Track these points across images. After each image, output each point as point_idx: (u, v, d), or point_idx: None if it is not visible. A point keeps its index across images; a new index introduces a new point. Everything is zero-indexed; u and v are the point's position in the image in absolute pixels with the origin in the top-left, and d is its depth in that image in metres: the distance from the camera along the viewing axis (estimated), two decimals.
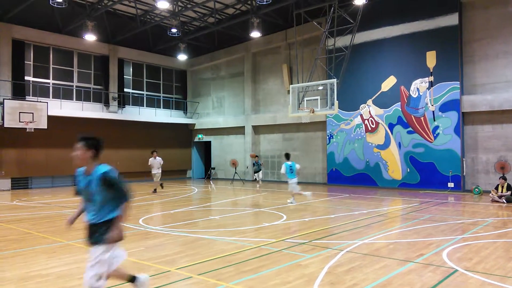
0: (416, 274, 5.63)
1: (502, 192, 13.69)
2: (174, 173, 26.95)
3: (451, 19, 17.22)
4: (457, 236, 8.19)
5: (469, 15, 17.33)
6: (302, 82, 18.13)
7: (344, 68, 17.79)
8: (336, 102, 15.86)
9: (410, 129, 18.27)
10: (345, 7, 18.37)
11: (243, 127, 25.21)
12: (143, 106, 25.94)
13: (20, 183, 20.24)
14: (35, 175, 20.76)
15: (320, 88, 17.15)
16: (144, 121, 24.83)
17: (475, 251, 6.90)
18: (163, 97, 27.29)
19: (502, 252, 6.83)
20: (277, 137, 23.93)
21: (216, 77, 27.50)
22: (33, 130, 19.01)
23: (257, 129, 24.85)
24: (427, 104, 17.82)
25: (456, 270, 5.77)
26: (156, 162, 17.56)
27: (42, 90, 21.40)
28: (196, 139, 28.20)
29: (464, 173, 17.07)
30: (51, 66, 21.90)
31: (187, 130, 28.19)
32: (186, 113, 28.39)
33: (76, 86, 22.83)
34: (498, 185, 14.00)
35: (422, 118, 17.94)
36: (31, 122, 18.86)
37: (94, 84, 23.59)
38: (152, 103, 26.53)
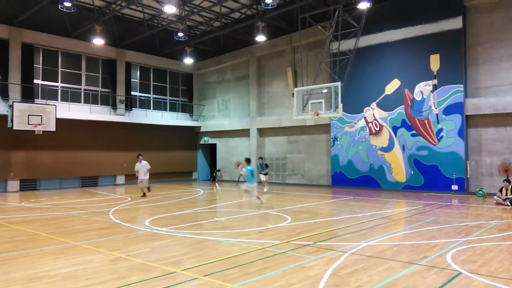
0: (420, 276, 5.69)
1: (506, 195, 13.71)
2: (180, 175, 27.16)
3: (455, 23, 17.27)
4: (461, 239, 8.24)
5: (473, 18, 17.38)
6: (307, 85, 18.25)
7: (348, 71, 17.90)
8: (340, 105, 15.97)
9: (414, 132, 18.32)
10: (349, 11, 18.47)
11: (248, 129, 25.34)
12: (150, 109, 26.16)
13: (28, 185, 20.48)
14: (43, 176, 21.00)
15: (325, 91, 17.25)
16: (151, 124, 25.06)
17: (479, 254, 6.95)
18: (169, 100, 27.50)
19: (507, 255, 6.85)
20: (281, 139, 24.04)
21: (221, 80, 27.67)
22: (41, 133, 19.27)
23: (262, 132, 24.98)
24: (431, 107, 17.87)
25: (460, 273, 5.81)
26: (142, 167, 16.38)
27: (51, 93, 21.67)
28: (201, 142, 28.37)
29: (468, 176, 17.09)
30: (60, 69, 22.18)
31: (193, 133, 28.37)
32: (192, 115, 28.58)
33: (84, 89, 23.10)
34: (502, 187, 14.02)
35: (426, 121, 17.99)
36: (39, 125, 19.12)
37: (101, 87, 23.84)
38: (159, 106, 26.76)
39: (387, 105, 19.22)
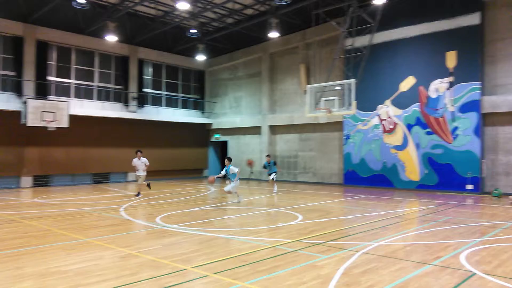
0: (433, 276, 5.59)
1: None
2: (190, 172, 27.22)
3: (473, 19, 16.94)
4: (475, 239, 8.08)
5: (491, 14, 17.02)
6: (320, 82, 18.10)
7: (362, 68, 17.70)
8: (353, 103, 15.80)
9: (428, 130, 18.05)
10: (364, 6, 18.25)
11: (260, 127, 25.28)
12: (162, 106, 26.25)
13: (41, 181, 20.71)
14: (56, 173, 21.21)
15: (338, 88, 17.06)
16: (162, 121, 25.16)
17: (494, 254, 6.80)
18: (181, 97, 27.57)
19: None
20: (293, 137, 23.92)
21: (233, 77, 27.63)
22: (54, 129, 19.46)
23: (273, 129, 24.89)
24: (446, 104, 17.58)
25: (474, 274, 5.70)
26: (140, 163, 15.88)
27: (64, 89, 21.86)
28: (213, 139, 28.39)
29: (484, 175, 16.78)
30: (73, 66, 22.36)
31: (204, 130, 28.40)
32: (204, 113, 28.60)
33: (97, 86, 23.26)
34: None
35: (441, 119, 17.71)
36: (52, 121, 19.31)
37: (114, 84, 23.99)
38: (171, 103, 26.84)
39: (401, 102, 18.96)
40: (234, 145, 27.29)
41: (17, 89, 20.01)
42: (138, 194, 15.93)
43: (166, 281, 5.38)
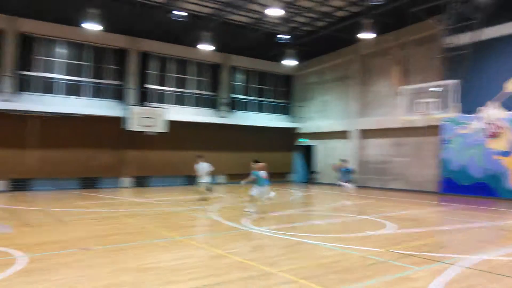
0: None
1: None
2: (276, 176, 27.32)
3: None
4: None
5: None
6: (415, 84, 17.16)
7: (465, 68, 16.36)
8: (454, 105, 14.67)
9: None
10: (465, 2, 16.89)
11: (348, 131, 24.65)
12: (251, 111, 26.87)
13: (139, 182, 22.27)
14: (152, 174, 22.70)
15: (437, 89, 15.91)
16: (251, 125, 25.75)
17: None
18: (269, 102, 27.96)
19: None
20: (384, 141, 22.91)
21: (320, 81, 27.33)
22: (155, 134, 20.96)
23: (363, 133, 24.10)
24: None
25: None
26: (201, 169, 15.25)
27: (160, 96, 23.40)
28: (298, 143, 28.31)
29: None
30: (169, 74, 23.84)
31: (291, 134, 28.44)
32: (292, 117, 28.68)
33: (191, 93, 24.55)
34: None
35: None
36: (151, 126, 20.77)
37: (206, 91, 25.12)
38: (259, 107, 27.38)
39: (508, 104, 17.20)
40: (322, 149, 26.92)
41: (120, 97, 21.82)
42: (203, 199, 15.24)
43: (254, 283, 5.43)
